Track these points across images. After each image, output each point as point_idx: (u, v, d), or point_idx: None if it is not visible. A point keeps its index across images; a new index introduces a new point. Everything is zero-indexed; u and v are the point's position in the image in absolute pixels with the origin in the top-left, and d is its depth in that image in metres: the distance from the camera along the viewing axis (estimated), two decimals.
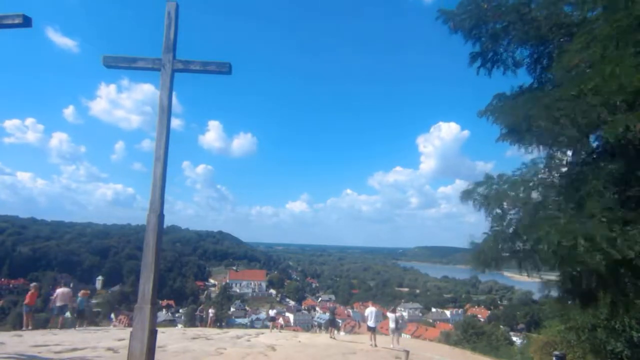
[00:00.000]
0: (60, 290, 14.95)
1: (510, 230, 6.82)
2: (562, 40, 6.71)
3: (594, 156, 6.35)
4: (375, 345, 13.99)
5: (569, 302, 7.54)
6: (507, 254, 6.74)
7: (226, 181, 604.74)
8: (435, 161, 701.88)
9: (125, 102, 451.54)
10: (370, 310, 15.54)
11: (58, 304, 14.59)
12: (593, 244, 5.14)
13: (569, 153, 6.76)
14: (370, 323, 15.09)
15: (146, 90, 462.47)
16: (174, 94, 6.01)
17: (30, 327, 13.77)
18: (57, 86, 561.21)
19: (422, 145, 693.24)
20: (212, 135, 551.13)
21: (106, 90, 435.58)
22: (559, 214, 5.87)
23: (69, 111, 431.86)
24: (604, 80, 5.13)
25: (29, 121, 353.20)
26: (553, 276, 7.03)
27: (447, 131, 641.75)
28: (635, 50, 5.20)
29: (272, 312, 25.01)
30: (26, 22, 5.65)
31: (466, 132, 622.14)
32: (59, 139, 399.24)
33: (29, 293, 14.52)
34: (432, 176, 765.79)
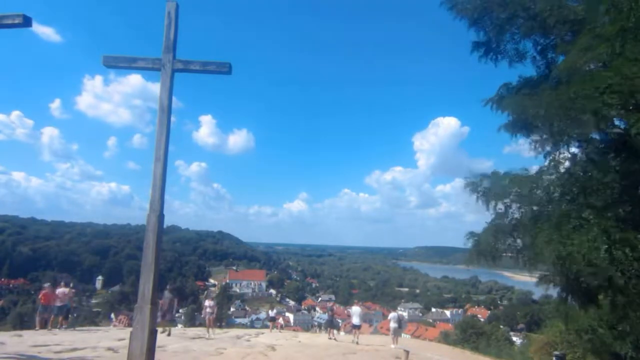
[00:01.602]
0: (59, 290, 14.87)
1: (511, 225, 6.84)
2: (566, 34, 6.70)
3: (602, 151, 6.32)
4: (358, 343, 14.54)
5: (569, 302, 7.54)
6: (505, 249, 6.77)
7: (223, 179, 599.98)
8: (434, 159, 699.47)
9: (113, 96, 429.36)
10: (355, 310, 16.37)
11: (57, 303, 14.50)
12: (588, 261, 5.22)
13: (575, 150, 6.75)
14: (354, 321, 16.02)
15: (133, 83, 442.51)
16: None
17: (49, 328, 13.90)
18: (40, 79, 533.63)
19: (420, 143, 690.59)
20: (209, 133, 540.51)
21: (92, 84, 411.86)
22: (559, 221, 5.90)
23: (56, 105, 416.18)
24: (622, 79, 5.07)
25: (15, 114, 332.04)
26: (549, 273, 7.02)
27: (446, 128, 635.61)
28: None
29: (272, 312, 24.98)
30: (26, 22, 5.63)
31: (466, 129, 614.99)
32: (49, 135, 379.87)
33: (43, 292, 14.54)
34: (432, 174, 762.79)
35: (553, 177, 6.63)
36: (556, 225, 5.86)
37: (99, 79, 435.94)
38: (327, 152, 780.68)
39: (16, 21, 5.59)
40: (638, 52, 5.16)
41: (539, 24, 6.93)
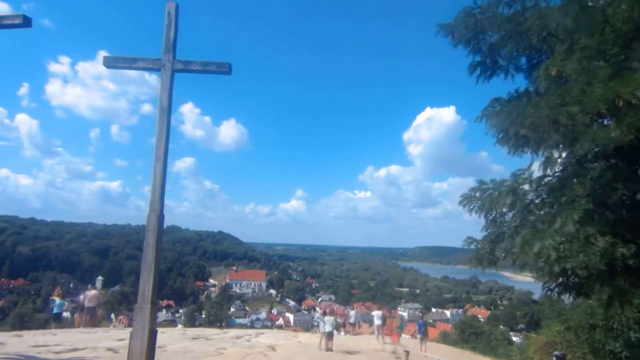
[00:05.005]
0: (90, 293, 16.17)
1: (505, 231, 7.01)
2: (554, 49, 6.82)
3: (582, 160, 6.47)
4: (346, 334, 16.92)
5: (562, 295, 7.69)
6: (503, 254, 6.90)
7: (220, 178, 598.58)
8: (433, 157, 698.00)
9: (85, 80, 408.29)
10: (352, 311, 20.11)
11: (87, 305, 15.60)
12: (548, 257, 5.40)
13: (562, 156, 6.89)
14: (351, 321, 19.69)
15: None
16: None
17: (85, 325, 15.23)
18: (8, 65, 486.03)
19: (418, 141, 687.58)
20: (204, 131, 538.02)
21: (58, 67, 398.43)
22: (538, 221, 6.08)
23: (24, 94, 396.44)
24: (581, 91, 5.26)
25: None
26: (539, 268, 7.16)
27: (444, 123, 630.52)
28: (611, 62, 5.31)
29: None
30: (26, 22, 5.65)
31: (465, 122, 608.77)
32: (27, 127, 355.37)
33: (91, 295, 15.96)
34: (431, 173, 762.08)
35: (533, 183, 6.82)
36: (541, 222, 6.04)
37: (65, 59, 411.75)
38: (324, 153, 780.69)
39: (16, 21, 5.61)
40: (598, 64, 5.28)
41: (528, 40, 7.08)
